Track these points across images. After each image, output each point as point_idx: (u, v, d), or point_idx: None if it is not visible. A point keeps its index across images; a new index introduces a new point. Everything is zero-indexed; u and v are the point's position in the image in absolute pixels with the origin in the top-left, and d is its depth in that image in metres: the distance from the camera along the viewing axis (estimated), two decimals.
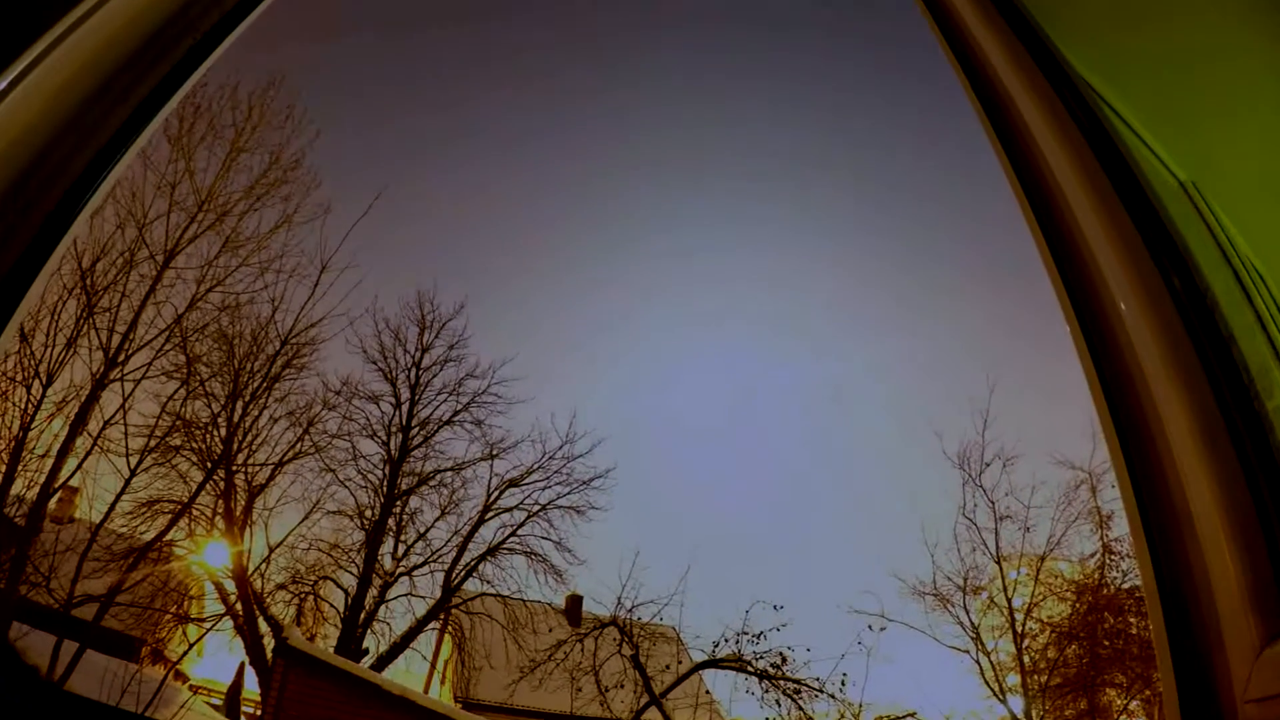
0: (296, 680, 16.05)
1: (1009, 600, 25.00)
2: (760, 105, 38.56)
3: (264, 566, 21.57)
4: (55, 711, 15.39)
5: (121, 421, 18.65)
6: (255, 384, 21.07)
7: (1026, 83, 1.89)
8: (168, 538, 19.71)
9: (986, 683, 24.25)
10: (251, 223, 21.16)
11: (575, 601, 30.43)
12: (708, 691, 24.37)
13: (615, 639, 21.61)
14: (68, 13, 1.52)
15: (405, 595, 23.70)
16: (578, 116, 38.26)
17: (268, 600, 21.25)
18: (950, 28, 2.17)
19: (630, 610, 21.94)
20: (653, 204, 40.77)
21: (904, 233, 40.81)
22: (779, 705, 20.14)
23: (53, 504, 18.73)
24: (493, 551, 24.49)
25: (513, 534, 24.90)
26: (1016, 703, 24.32)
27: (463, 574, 24.05)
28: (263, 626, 20.25)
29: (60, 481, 17.78)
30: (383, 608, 23.17)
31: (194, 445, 20.34)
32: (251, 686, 20.16)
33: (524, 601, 24.59)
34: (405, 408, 25.67)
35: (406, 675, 25.56)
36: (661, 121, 38.84)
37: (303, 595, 22.76)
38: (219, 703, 22.56)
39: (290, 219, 21.64)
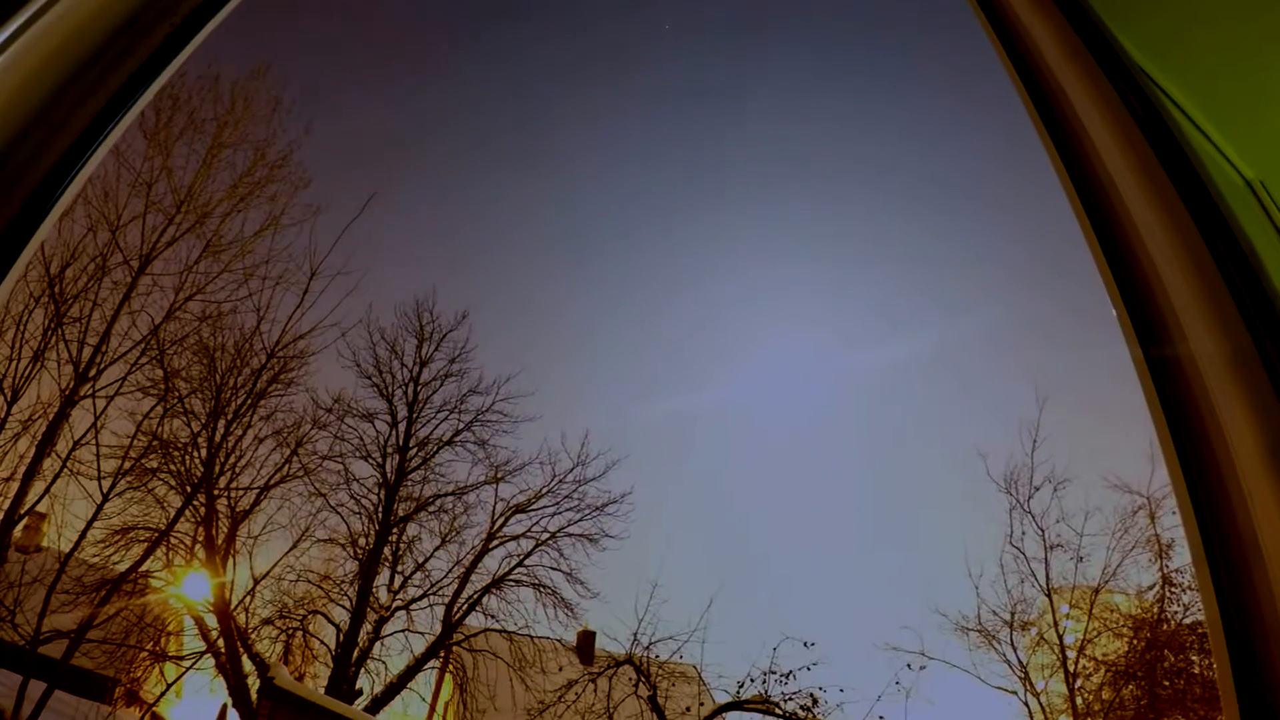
0: None
1: (1060, 636, 24.87)
2: (786, 98, 38.54)
3: (248, 599, 21.59)
4: None
5: (93, 442, 18.74)
6: (239, 401, 21.14)
7: (1079, 72, 1.89)
8: (143, 568, 19.75)
9: None
10: (235, 225, 21.29)
11: (588, 638, 30.39)
12: None
13: (631, 679, 21.60)
14: None
15: (402, 631, 23.65)
16: (594, 107, 38.37)
17: (252, 636, 21.25)
18: (996, 12, 2.17)
19: (648, 647, 21.94)
20: (675, 200, 40.76)
21: (940, 231, 40.64)
22: None
23: (18, 531, 18.84)
24: (498, 583, 24.44)
25: (519, 564, 24.82)
26: None
27: (465, 608, 23.99)
28: (247, 665, 20.24)
29: (26, 507, 17.86)
30: (378, 644, 23.14)
31: (172, 467, 20.41)
32: None
33: (532, 638, 24.50)
34: (402, 427, 25.70)
35: (404, 718, 25.57)
36: (676, 111, 38.87)
37: (290, 631, 22.80)
38: None
39: (277, 221, 21.76)
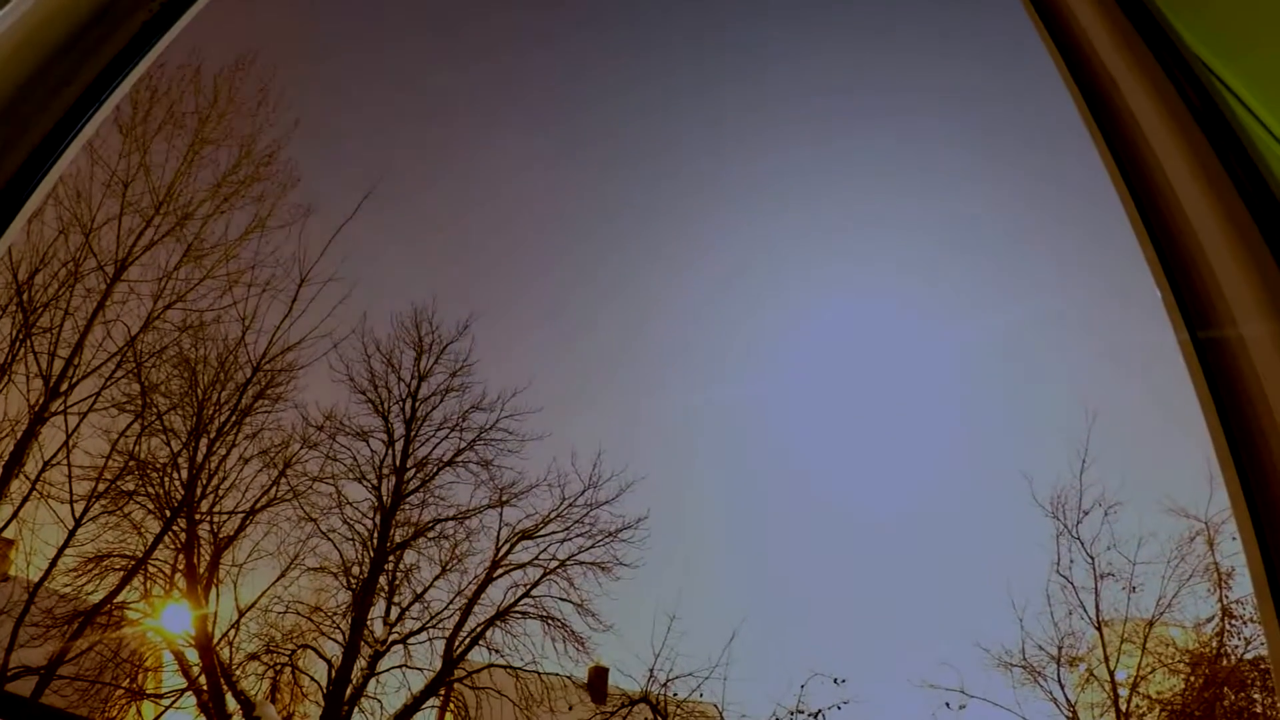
0: None
1: (1111, 673, 24.74)
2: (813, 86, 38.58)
3: (232, 633, 21.57)
4: None
5: (64, 462, 18.77)
6: (222, 418, 21.16)
7: (1132, 60, 1.88)
8: (119, 599, 19.75)
9: None
10: (218, 227, 21.34)
11: (600, 674, 30.36)
12: None
13: (647, 718, 21.55)
14: None
15: (399, 667, 23.61)
16: (603, 90, 38.38)
17: (237, 673, 21.23)
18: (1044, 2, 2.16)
19: (665, 684, 21.91)
20: (697, 180, 40.72)
21: (978, 230, 40.55)
22: None
23: None
24: (502, 615, 24.38)
25: (526, 595, 24.76)
26: None
27: (467, 642, 23.95)
28: (231, 704, 20.24)
29: None
30: (373, 681, 23.11)
31: (150, 490, 20.43)
32: None
33: (539, 674, 24.42)
34: (399, 446, 25.66)
35: None
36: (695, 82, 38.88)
37: (278, 667, 22.77)
38: None
39: (264, 223, 21.82)
